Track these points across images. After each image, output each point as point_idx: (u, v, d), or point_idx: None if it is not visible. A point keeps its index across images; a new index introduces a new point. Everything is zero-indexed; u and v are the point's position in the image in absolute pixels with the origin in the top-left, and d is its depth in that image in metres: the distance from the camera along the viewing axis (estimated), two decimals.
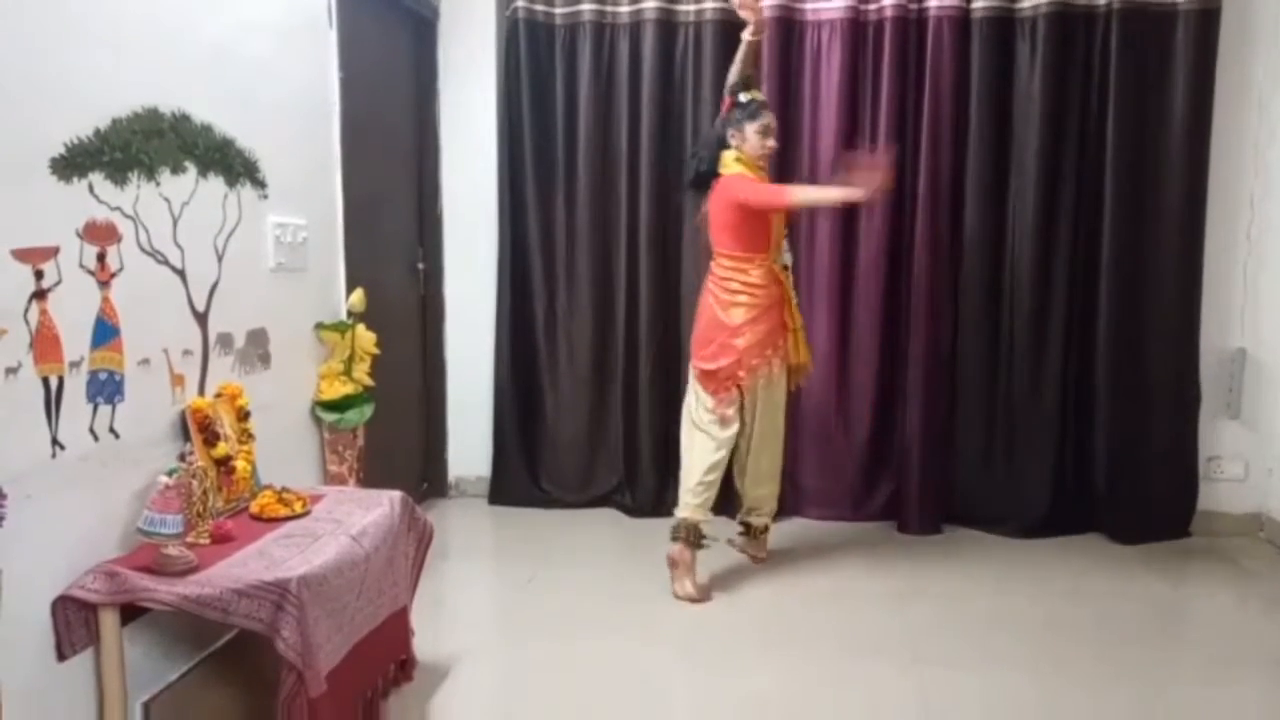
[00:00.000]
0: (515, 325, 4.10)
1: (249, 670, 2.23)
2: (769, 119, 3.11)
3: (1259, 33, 3.64)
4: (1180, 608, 3.24)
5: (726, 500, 3.35)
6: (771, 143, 3.11)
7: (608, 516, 4.02)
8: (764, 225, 3.09)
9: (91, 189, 1.92)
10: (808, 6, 3.80)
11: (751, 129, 3.08)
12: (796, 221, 3.60)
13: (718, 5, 3.81)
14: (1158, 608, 3.13)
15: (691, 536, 3.11)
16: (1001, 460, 3.84)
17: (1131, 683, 2.57)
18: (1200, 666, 2.69)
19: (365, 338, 3.01)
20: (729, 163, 3.09)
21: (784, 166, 3.80)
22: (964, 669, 2.64)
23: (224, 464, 2.24)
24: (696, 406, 3.16)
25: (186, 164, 2.23)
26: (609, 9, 3.94)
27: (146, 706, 2.04)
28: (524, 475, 4.15)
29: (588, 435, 4.13)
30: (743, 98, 3.12)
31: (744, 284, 3.08)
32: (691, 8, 3.87)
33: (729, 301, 3.09)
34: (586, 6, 3.92)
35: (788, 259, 3.24)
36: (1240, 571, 3.43)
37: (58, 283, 1.82)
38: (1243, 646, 2.83)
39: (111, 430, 1.98)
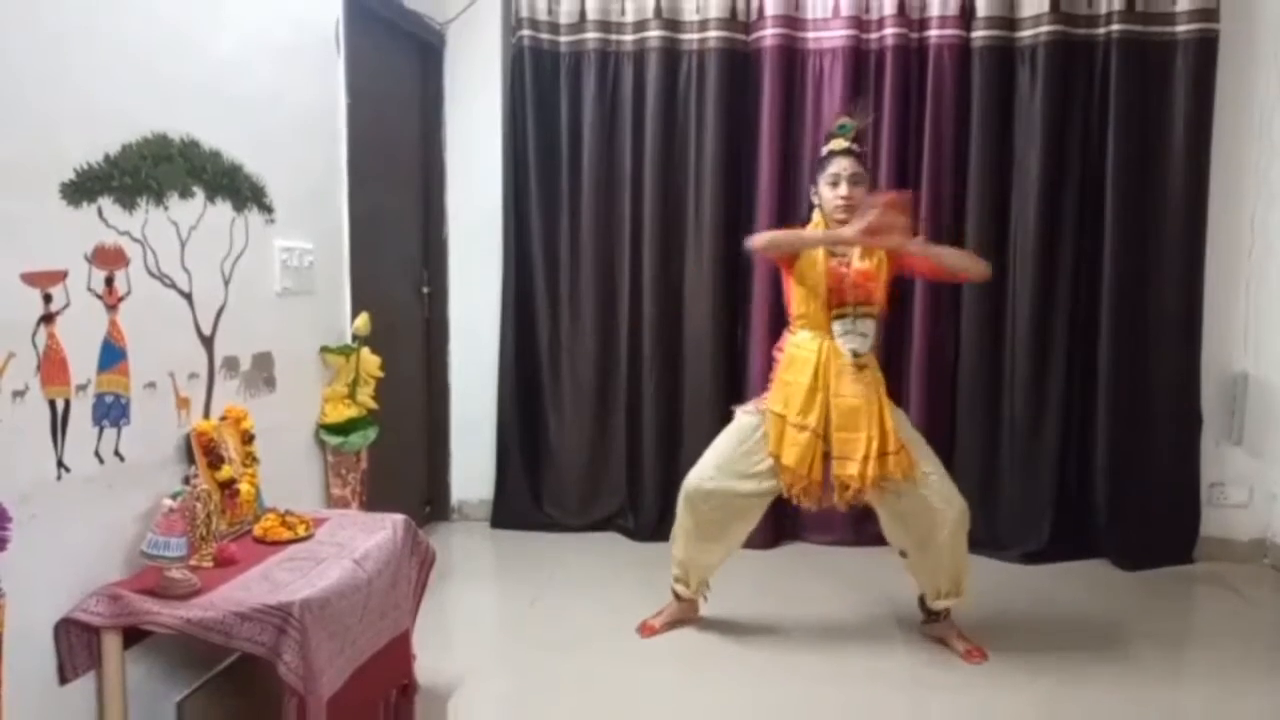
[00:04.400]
0: (519, 348, 4.12)
1: (251, 695, 2.22)
2: (839, 165, 2.74)
3: (1260, 56, 3.67)
4: (1182, 635, 3.22)
5: None
6: (844, 190, 2.72)
7: (610, 540, 4.02)
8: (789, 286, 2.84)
9: (101, 213, 1.94)
10: (809, 35, 3.84)
11: (822, 182, 2.79)
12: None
13: (721, 34, 3.85)
14: (1160, 634, 3.10)
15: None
16: (1003, 485, 3.83)
17: (1135, 709, 2.56)
18: (1206, 696, 2.67)
19: (369, 361, 3.02)
20: (814, 225, 2.82)
21: (785, 197, 3.83)
22: (964, 693, 2.62)
23: (228, 487, 2.24)
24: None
25: (195, 189, 2.25)
26: (613, 37, 3.98)
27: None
28: (527, 499, 4.15)
29: (590, 459, 4.13)
30: (823, 150, 2.84)
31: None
32: (695, 36, 3.90)
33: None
34: (591, 35, 3.97)
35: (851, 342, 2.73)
36: (1243, 599, 3.42)
37: (66, 306, 1.84)
38: (1247, 675, 2.80)
39: (117, 453, 1.99)
